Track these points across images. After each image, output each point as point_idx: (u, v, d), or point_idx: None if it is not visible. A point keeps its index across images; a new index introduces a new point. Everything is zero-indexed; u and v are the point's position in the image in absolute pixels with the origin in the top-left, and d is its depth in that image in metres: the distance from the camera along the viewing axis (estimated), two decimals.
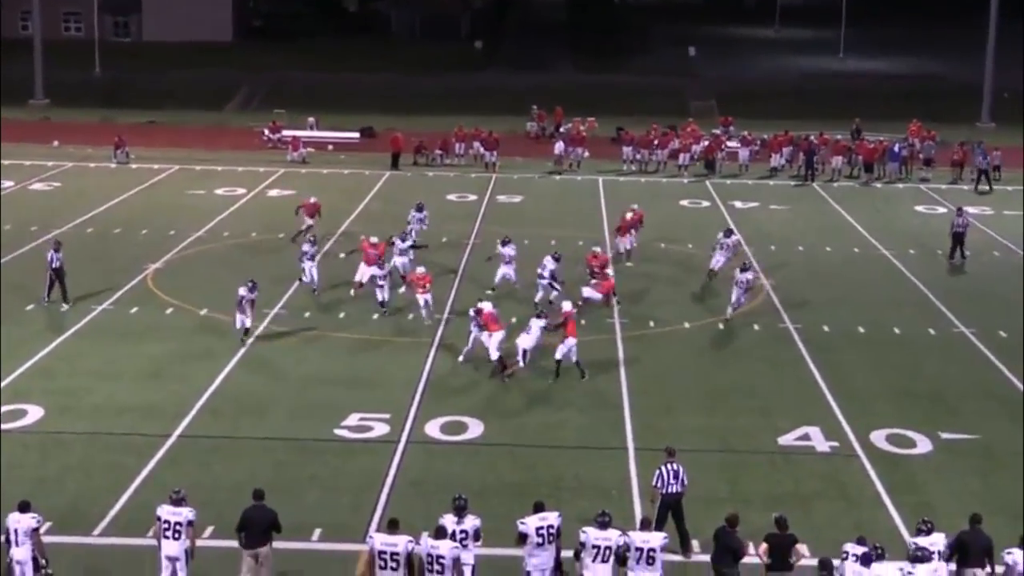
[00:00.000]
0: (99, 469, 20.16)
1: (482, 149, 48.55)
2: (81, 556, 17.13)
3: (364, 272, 29.16)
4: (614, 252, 33.83)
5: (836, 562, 15.59)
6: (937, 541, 15.54)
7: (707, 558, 16.19)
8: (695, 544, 17.48)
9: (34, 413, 22.31)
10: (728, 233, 32.70)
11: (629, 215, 34.30)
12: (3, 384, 23.58)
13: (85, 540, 17.66)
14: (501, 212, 40.78)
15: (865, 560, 14.77)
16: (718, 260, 31.59)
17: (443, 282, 30.70)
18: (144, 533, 16.53)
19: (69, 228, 36.57)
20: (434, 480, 19.79)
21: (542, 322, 24.64)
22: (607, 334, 27.42)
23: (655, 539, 15.45)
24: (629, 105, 61.75)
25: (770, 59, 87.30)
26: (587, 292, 28.36)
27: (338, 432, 21.86)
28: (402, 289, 29.61)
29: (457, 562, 14.94)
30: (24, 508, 15.78)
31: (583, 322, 26.92)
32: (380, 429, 21.97)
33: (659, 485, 17.40)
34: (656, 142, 48.93)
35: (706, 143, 49.40)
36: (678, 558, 17.13)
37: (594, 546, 15.27)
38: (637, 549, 15.27)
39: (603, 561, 15.28)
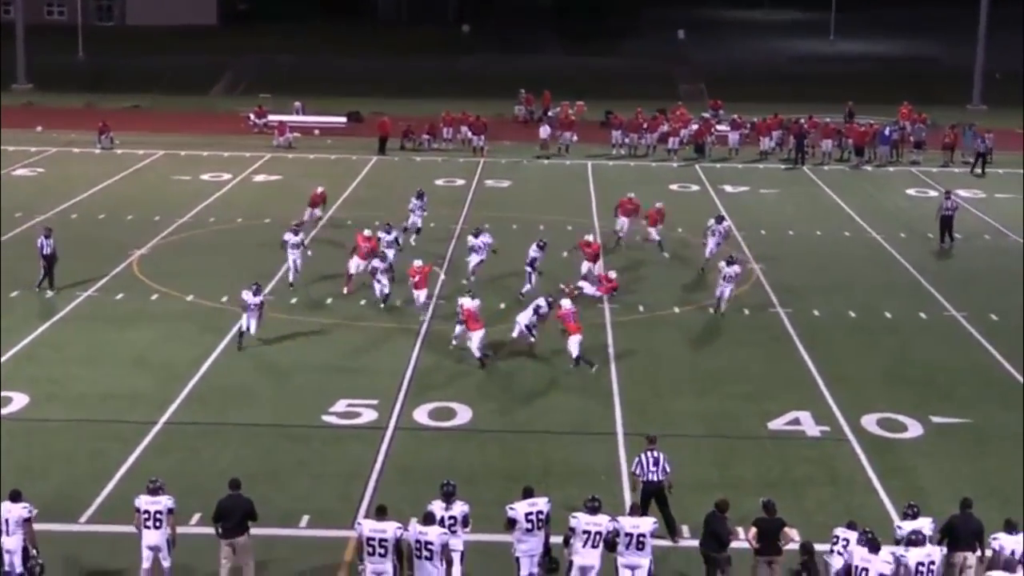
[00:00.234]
0: (85, 456, 20.01)
1: (470, 133, 48.35)
2: (67, 544, 16.97)
3: (356, 265, 28.80)
4: (642, 238, 33.26)
5: (826, 547, 15.54)
6: (923, 525, 15.45)
7: (696, 543, 16.10)
8: (684, 529, 17.39)
9: (19, 400, 22.15)
10: (719, 219, 32.57)
11: (637, 202, 33.79)
12: None
13: (71, 528, 17.53)
14: (489, 197, 40.59)
15: (873, 546, 14.59)
16: (710, 247, 31.40)
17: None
18: (130, 521, 16.33)
19: (53, 214, 36.28)
20: (422, 466, 19.66)
21: (544, 306, 24.78)
22: (597, 319, 27.29)
23: (645, 524, 15.36)
24: (618, 89, 61.57)
25: (760, 42, 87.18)
26: (588, 290, 27.98)
27: (326, 418, 21.72)
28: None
29: (446, 548, 14.87)
30: (15, 497, 15.59)
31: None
32: (368, 415, 21.83)
33: (638, 472, 17.31)
34: (645, 126, 48.77)
35: (695, 127, 49.27)
36: (668, 543, 17.03)
37: (584, 531, 15.20)
38: (627, 534, 15.20)
39: (593, 546, 15.22)
